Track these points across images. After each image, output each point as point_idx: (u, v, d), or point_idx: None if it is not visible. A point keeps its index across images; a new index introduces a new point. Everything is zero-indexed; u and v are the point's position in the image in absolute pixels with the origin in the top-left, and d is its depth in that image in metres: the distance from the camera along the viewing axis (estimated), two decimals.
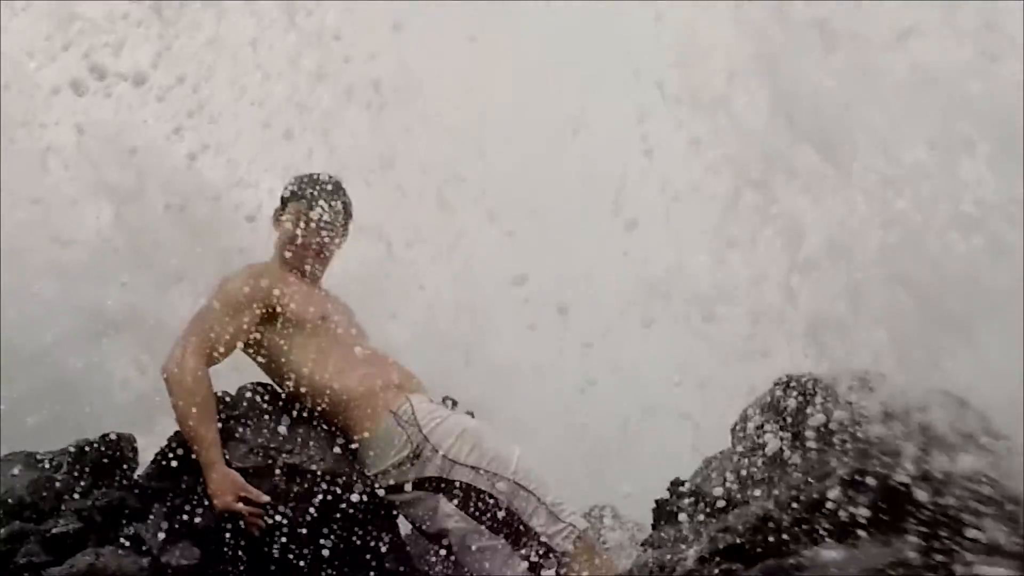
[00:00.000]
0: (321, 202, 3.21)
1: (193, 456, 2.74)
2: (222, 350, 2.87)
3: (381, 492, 2.83)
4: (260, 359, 3.02)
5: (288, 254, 3.18)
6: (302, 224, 3.17)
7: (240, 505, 2.61)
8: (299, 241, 3.17)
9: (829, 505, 3.00)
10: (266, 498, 2.64)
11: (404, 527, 3.01)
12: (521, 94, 5.95)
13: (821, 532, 2.98)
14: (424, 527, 2.83)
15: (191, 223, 4.49)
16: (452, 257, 4.89)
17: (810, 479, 3.11)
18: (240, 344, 2.94)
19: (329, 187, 3.25)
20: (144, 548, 2.64)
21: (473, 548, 2.72)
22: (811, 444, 3.23)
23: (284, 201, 3.25)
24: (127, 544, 2.64)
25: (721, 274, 3.49)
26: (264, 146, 3.96)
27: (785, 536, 3.02)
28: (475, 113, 5.34)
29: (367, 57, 4.14)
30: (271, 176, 3.83)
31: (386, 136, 4.37)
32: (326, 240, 3.22)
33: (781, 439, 3.27)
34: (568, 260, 5.18)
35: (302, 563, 2.69)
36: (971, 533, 2.83)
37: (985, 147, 3.12)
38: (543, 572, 2.69)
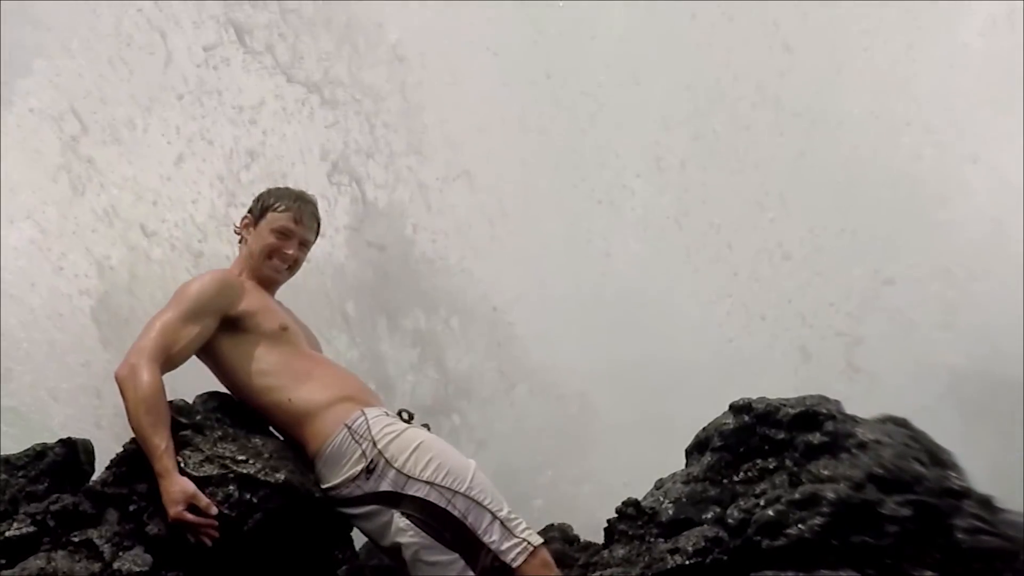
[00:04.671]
0: (306, 217, 3.26)
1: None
2: (177, 357, 2.86)
3: (336, 506, 2.84)
4: (216, 367, 3.02)
5: (263, 263, 3.20)
6: (284, 235, 3.21)
7: (191, 516, 2.61)
8: (280, 251, 3.21)
9: (779, 527, 3.08)
10: (214, 510, 2.63)
11: (360, 540, 3.03)
12: None
13: (770, 554, 3.04)
14: (378, 541, 2.84)
15: None
16: None
17: (761, 502, 3.17)
18: (196, 351, 2.93)
19: (311, 203, 3.31)
20: (96, 553, 2.64)
21: (427, 563, 2.72)
22: (763, 467, 3.30)
23: (263, 210, 3.25)
24: (79, 549, 2.65)
25: None
26: None
27: (734, 558, 3.08)
28: None
29: None
30: None
31: None
32: (301, 254, 3.27)
33: (733, 462, 3.33)
34: None
35: (254, 574, 2.71)
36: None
37: None
38: None
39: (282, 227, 3.22)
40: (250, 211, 3.29)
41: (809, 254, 5.03)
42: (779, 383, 3.34)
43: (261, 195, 3.32)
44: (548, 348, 5.30)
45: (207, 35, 5.55)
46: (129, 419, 2.71)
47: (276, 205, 3.24)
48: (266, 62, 5.60)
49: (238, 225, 3.33)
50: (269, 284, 3.24)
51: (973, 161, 4.72)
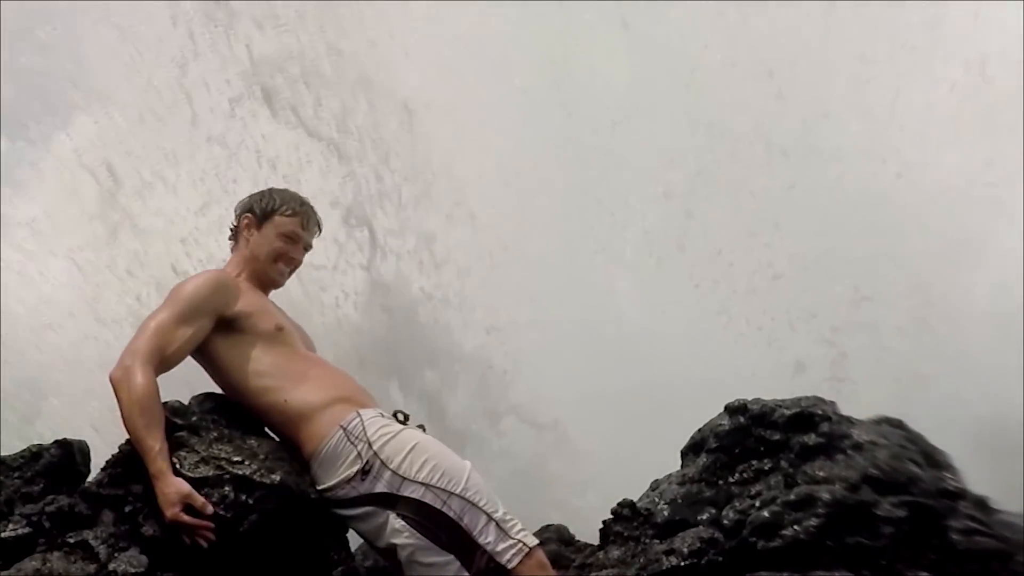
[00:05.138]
0: (312, 222, 3.28)
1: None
2: (172, 358, 2.85)
3: (331, 507, 2.84)
4: (211, 368, 3.01)
5: (269, 266, 3.20)
6: (292, 240, 3.22)
7: (187, 518, 2.60)
8: (287, 256, 3.22)
9: (774, 529, 3.08)
10: (210, 509, 2.63)
11: (355, 541, 3.03)
12: None
13: (766, 555, 3.05)
14: (374, 542, 2.84)
15: None
16: None
17: (756, 503, 3.18)
18: (191, 352, 2.93)
19: (312, 207, 3.32)
20: (92, 555, 2.64)
21: (423, 564, 2.71)
22: (758, 468, 3.30)
23: (268, 213, 3.22)
24: (75, 550, 2.64)
25: None
26: None
27: (729, 559, 3.09)
28: None
29: None
30: None
31: None
32: (303, 258, 3.29)
33: (729, 463, 3.34)
34: None
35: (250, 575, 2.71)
36: None
37: None
38: None
39: (291, 232, 3.22)
40: (250, 211, 3.24)
41: (797, 273, 5.64)
42: (773, 389, 3.54)
43: (261, 196, 3.28)
44: (545, 379, 5.74)
45: (233, 91, 6.22)
46: (123, 421, 2.71)
47: (283, 208, 3.22)
48: (288, 118, 6.22)
49: (236, 224, 3.28)
50: (267, 286, 3.24)
51: (944, 191, 5.40)
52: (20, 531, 2.71)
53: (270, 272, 3.22)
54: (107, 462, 2.83)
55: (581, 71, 6.39)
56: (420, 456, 2.79)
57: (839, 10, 5.72)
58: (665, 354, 5.45)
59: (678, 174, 6.14)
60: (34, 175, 6.63)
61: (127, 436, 2.74)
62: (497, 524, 2.75)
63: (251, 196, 3.32)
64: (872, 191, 5.47)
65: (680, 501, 3.26)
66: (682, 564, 3.04)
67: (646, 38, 6.27)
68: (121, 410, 2.71)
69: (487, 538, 2.72)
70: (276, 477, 2.74)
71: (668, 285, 5.88)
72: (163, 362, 2.82)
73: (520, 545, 2.74)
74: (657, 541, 3.17)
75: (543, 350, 5.87)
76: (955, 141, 5.41)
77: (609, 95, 6.36)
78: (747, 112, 5.89)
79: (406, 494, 2.74)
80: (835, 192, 5.61)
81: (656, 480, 3.43)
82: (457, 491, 2.75)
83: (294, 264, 3.26)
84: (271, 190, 3.33)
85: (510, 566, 2.71)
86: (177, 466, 2.68)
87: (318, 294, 5.93)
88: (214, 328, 2.95)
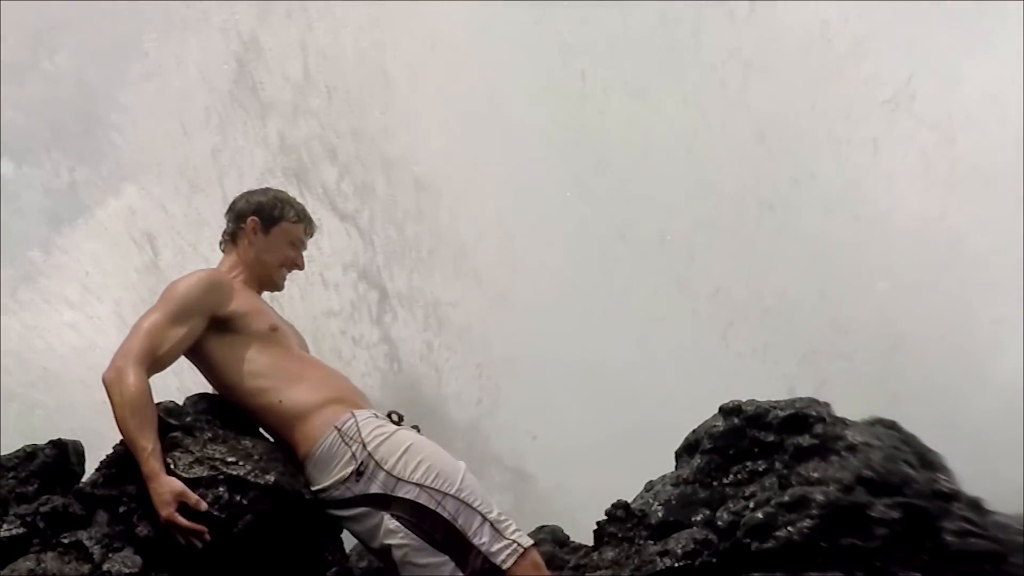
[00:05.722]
0: (312, 228, 3.32)
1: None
2: (165, 358, 2.85)
3: (326, 507, 2.84)
4: (205, 368, 3.00)
5: (275, 271, 3.23)
6: (297, 247, 3.26)
7: (181, 519, 2.60)
8: (293, 263, 3.26)
9: (768, 530, 3.09)
10: (204, 506, 2.63)
11: (349, 541, 3.03)
12: None
13: (759, 557, 3.06)
14: (368, 543, 2.84)
15: None
16: None
17: (750, 504, 3.18)
18: (184, 352, 2.92)
19: (308, 213, 3.34)
20: (86, 555, 2.64)
21: (417, 565, 2.71)
22: (752, 469, 3.31)
23: (274, 219, 3.22)
24: (69, 551, 2.64)
25: None
26: None
27: (723, 560, 3.09)
28: None
29: None
30: None
31: None
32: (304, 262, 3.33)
33: (723, 464, 3.34)
34: None
35: None
36: None
37: None
38: None
39: (298, 239, 3.26)
40: (256, 214, 3.21)
41: (784, 308, 6.35)
42: None
43: (267, 200, 3.26)
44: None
45: (261, 168, 7.05)
46: (116, 422, 2.70)
47: (290, 215, 3.24)
48: (316, 192, 6.95)
49: (236, 225, 3.24)
50: (265, 288, 3.25)
51: (906, 234, 6.30)
52: (14, 531, 2.71)
53: (275, 277, 3.25)
54: (101, 463, 2.83)
55: (591, 138, 7.11)
56: (415, 457, 2.79)
57: (821, 84, 6.68)
58: (665, 379, 5.99)
59: (681, 222, 6.86)
60: (86, 233, 7.57)
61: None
62: (492, 524, 2.75)
63: (250, 197, 3.29)
64: (848, 240, 6.38)
65: (674, 502, 3.27)
66: (676, 565, 3.05)
67: (655, 108, 7.01)
68: (114, 411, 2.70)
69: (482, 539, 2.73)
70: (270, 478, 2.74)
71: (670, 317, 6.54)
72: (156, 362, 2.81)
73: (515, 546, 2.74)
74: (651, 542, 3.17)
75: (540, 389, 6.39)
76: (921, 192, 6.36)
77: (618, 158, 7.02)
78: (741, 170, 6.74)
79: (400, 495, 2.74)
80: (816, 241, 6.46)
81: (650, 481, 3.44)
82: (451, 492, 2.75)
83: (298, 268, 3.29)
84: (272, 193, 3.31)
85: (505, 567, 2.71)
86: (171, 466, 2.68)
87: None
88: (208, 328, 2.94)
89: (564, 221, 6.98)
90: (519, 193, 7.01)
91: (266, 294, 3.30)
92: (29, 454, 2.95)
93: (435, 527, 2.72)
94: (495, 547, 2.72)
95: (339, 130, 7.05)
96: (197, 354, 2.98)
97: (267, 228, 3.22)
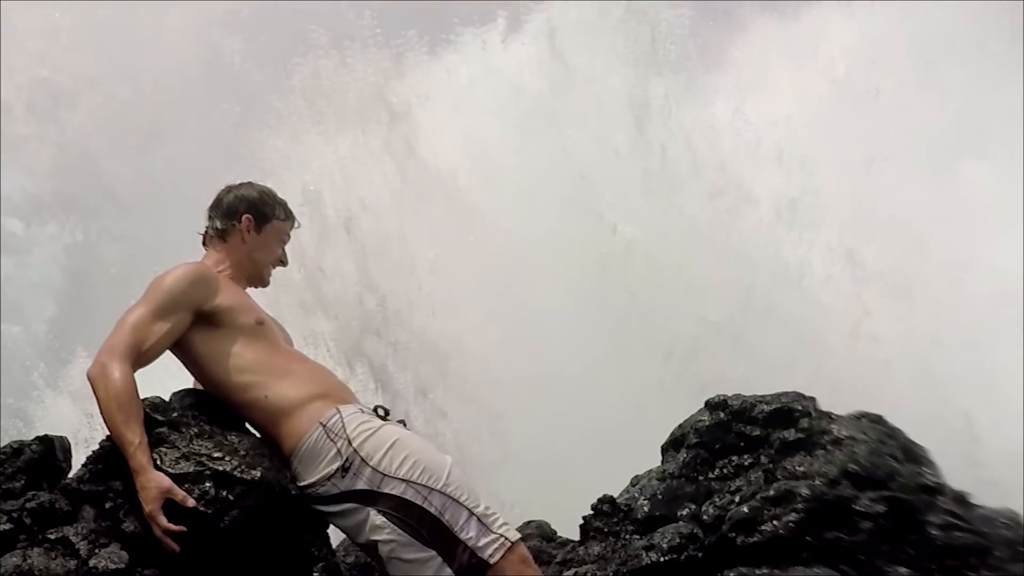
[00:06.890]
0: (294, 223, 3.30)
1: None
2: (149, 353, 2.83)
3: (312, 503, 2.84)
4: (190, 363, 2.99)
5: (262, 268, 3.21)
6: (285, 242, 3.26)
7: (162, 519, 2.58)
8: (280, 261, 3.26)
9: (754, 524, 3.10)
10: (191, 502, 2.62)
11: (336, 537, 3.03)
12: None
13: (745, 551, 3.07)
14: (355, 539, 2.85)
15: None
16: None
17: (736, 499, 3.20)
18: (169, 346, 2.91)
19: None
20: (72, 551, 2.64)
21: (404, 560, 2.72)
22: (738, 464, 3.32)
23: (265, 217, 3.19)
24: (55, 547, 2.64)
25: None
26: None
27: (709, 555, 3.10)
28: None
29: None
30: None
31: None
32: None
33: (709, 459, 3.35)
34: None
35: (231, 572, 2.71)
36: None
37: None
38: None
39: (286, 235, 3.26)
40: (248, 213, 3.16)
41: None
42: None
43: (253, 196, 3.21)
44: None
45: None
46: (103, 417, 2.70)
47: (278, 214, 3.22)
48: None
49: (228, 223, 3.17)
50: (253, 283, 3.23)
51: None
52: (1, 527, 2.69)
53: (265, 274, 3.24)
54: (88, 458, 2.82)
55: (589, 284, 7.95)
56: (400, 452, 2.79)
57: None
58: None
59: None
60: None
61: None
62: (479, 519, 2.75)
63: (237, 192, 3.22)
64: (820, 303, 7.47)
65: (660, 497, 3.28)
66: (662, 560, 3.06)
67: (645, 253, 7.84)
68: (100, 407, 2.69)
69: (469, 533, 2.73)
70: (257, 473, 2.74)
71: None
72: (141, 357, 2.80)
73: (502, 540, 2.75)
74: (637, 537, 3.18)
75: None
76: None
77: (614, 295, 7.77)
78: (724, 302, 7.52)
79: (387, 490, 2.74)
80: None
81: (636, 476, 3.44)
82: (438, 487, 2.75)
83: (282, 265, 3.29)
84: (258, 189, 3.26)
85: (492, 561, 2.71)
86: (158, 462, 2.67)
87: None
88: (193, 322, 2.92)
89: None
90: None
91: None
92: (16, 450, 2.93)
93: (422, 522, 2.72)
94: (482, 541, 2.73)
95: None
96: (182, 349, 2.95)
97: (260, 226, 3.19)
